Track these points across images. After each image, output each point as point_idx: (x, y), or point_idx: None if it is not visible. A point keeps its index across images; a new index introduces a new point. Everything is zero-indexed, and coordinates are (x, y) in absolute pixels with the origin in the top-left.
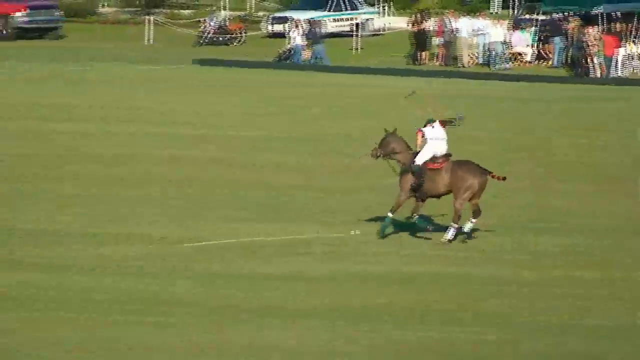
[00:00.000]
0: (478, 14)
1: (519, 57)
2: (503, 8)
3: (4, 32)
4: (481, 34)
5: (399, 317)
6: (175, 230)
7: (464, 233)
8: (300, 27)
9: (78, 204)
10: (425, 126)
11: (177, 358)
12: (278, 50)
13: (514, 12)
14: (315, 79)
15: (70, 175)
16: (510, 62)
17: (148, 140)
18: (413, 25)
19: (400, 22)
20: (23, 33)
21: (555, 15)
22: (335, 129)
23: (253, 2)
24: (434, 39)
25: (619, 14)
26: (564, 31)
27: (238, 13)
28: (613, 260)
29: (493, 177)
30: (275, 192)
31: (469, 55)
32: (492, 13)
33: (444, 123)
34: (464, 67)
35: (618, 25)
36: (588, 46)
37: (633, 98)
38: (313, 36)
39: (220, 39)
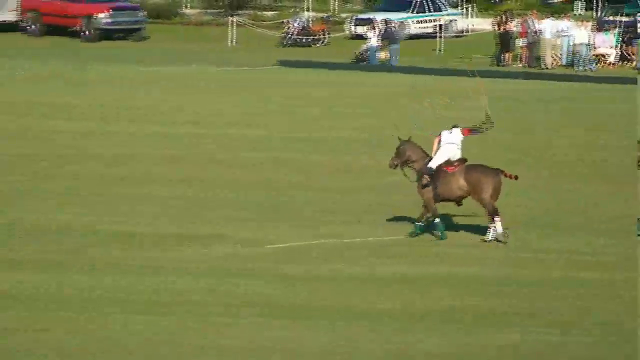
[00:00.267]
0: (562, 15)
1: (602, 59)
2: (586, 9)
3: (87, 33)
4: (565, 35)
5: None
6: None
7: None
8: (376, 28)
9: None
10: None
11: None
12: (354, 51)
13: (597, 13)
14: (395, 79)
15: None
16: (594, 64)
17: (242, 142)
18: (498, 27)
19: (483, 24)
20: (106, 34)
21: (639, 17)
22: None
23: (336, 3)
24: (517, 40)
25: None
26: None
27: (321, 14)
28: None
29: (505, 175)
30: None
31: (552, 57)
32: (575, 14)
33: (470, 130)
34: (547, 68)
35: None
36: None
37: None
38: (389, 36)
39: (304, 40)
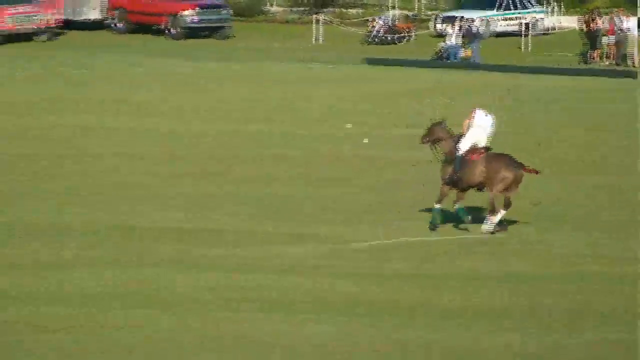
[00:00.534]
0: None
1: None
2: None
3: (173, 30)
4: None
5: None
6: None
7: (503, 223)
8: (456, 26)
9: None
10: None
11: None
12: (434, 49)
13: None
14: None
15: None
16: None
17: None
18: (585, 25)
19: (570, 22)
20: (192, 32)
21: None
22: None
23: (422, 1)
24: (604, 37)
25: None
26: None
27: (407, 12)
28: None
29: (526, 170)
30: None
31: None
32: None
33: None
34: (634, 66)
35: None
36: None
37: None
38: (469, 34)
39: (389, 37)
